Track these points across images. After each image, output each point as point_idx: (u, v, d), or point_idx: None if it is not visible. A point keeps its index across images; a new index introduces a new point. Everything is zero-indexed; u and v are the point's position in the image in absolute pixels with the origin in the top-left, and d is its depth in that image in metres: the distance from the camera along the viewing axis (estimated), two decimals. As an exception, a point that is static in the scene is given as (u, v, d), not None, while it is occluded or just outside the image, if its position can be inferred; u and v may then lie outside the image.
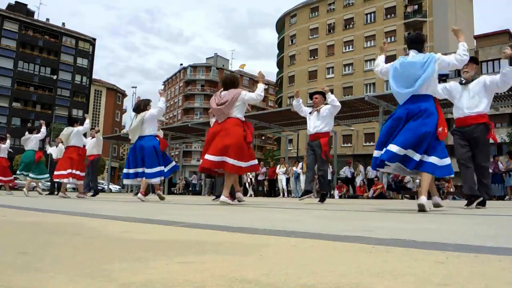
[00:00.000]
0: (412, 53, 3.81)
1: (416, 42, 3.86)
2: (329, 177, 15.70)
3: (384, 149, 3.62)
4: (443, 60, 3.68)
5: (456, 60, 3.71)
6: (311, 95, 6.56)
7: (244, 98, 4.91)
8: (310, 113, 6.32)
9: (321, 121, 6.15)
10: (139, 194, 6.36)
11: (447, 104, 8.70)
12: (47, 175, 10.29)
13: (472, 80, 4.63)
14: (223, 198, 4.71)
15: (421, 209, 3.36)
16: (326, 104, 6.27)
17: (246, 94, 4.96)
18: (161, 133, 8.41)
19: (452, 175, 3.72)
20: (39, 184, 11.06)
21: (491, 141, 4.74)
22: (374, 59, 40.54)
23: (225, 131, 4.71)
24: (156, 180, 6.43)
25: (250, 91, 5.23)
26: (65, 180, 8.08)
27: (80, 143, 8.36)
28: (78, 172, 8.07)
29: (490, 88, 4.54)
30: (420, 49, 3.83)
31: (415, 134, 3.48)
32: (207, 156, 4.69)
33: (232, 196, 5.12)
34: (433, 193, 3.96)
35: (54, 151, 11.13)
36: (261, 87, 5.06)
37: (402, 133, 3.54)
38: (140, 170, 6.34)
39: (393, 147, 3.51)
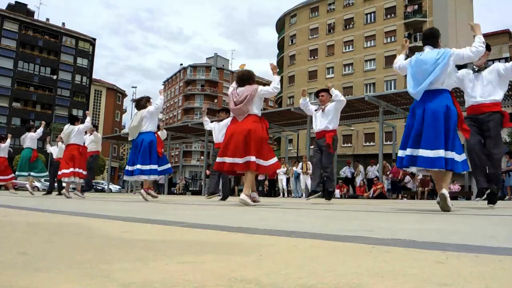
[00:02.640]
0: (427, 49, 3.82)
1: (430, 37, 3.87)
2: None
3: (410, 152, 3.58)
4: (457, 54, 3.69)
5: (471, 51, 3.70)
6: (316, 94, 6.52)
7: (261, 93, 4.86)
8: (316, 110, 6.31)
9: (326, 119, 6.13)
10: (142, 190, 6.46)
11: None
12: (47, 173, 10.32)
13: (485, 68, 4.56)
14: (243, 196, 4.64)
15: (443, 198, 3.37)
16: (332, 101, 6.27)
17: (263, 89, 4.90)
18: (164, 134, 8.36)
19: (467, 171, 3.72)
20: (39, 184, 11.07)
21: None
22: (374, 59, 40.65)
23: (246, 130, 4.66)
24: (144, 177, 6.42)
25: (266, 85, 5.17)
26: (66, 179, 8.08)
27: (81, 141, 8.36)
28: (80, 170, 8.08)
29: (504, 76, 4.48)
30: (435, 44, 3.83)
31: (441, 133, 3.48)
32: (230, 160, 4.64)
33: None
34: (445, 186, 3.89)
35: (55, 151, 11.14)
36: (276, 79, 4.98)
37: (429, 134, 3.51)
38: (136, 167, 6.38)
39: (424, 152, 3.48)
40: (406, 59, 4.05)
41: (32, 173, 9.84)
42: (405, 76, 3.95)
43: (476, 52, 3.72)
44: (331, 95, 6.27)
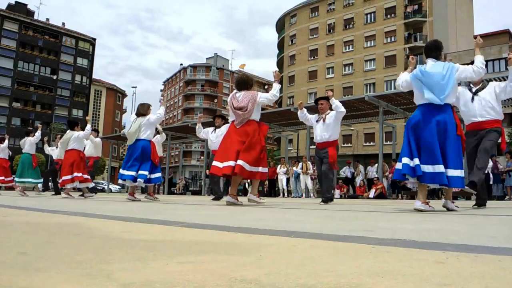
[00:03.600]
0: (431, 61, 3.82)
1: (434, 49, 3.88)
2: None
3: (413, 165, 3.61)
4: (462, 71, 3.74)
5: (473, 71, 3.76)
6: (315, 101, 6.46)
7: (260, 101, 4.90)
8: (317, 121, 6.25)
9: (328, 130, 6.07)
10: (129, 196, 6.53)
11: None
12: (41, 180, 10.32)
13: (483, 88, 4.61)
14: (228, 198, 4.75)
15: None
16: (332, 110, 6.21)
17: (261, 97, 4.93)
18: (163, 137, 8.34)
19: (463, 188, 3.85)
20: (39, 185, 11.05)
21: None
22: (374, 59, 40.65)
23: (244, 136, 4.71)
24: (126, 183, 6.50)
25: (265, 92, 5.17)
26: (69, 186, 8.11)
27: (81, 147, 8.37)
28: (81, 174, 8.08)
29: (499, 96, 4.55)
30: (438, 57, 3.86)
31: (444, 149, 3.56)
32: (228, 163, 4.66)
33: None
34: (449, 198, 3.96)
35: (55, 152, 11.13)
36: (276, 87, 5.05)
37: (431, 150, 3.56)
38: (124, 172, 6.44)
39: (425, 167, 3.55)
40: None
41: (30, 180, 9.87)
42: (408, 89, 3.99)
43: (477, 72, 3.78)
44: (328, 105, 6.25)
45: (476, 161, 4.45)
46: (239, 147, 4.65)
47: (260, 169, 4.75)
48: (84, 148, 8.74)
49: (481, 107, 4.53)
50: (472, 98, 4.58)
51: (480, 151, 4.48)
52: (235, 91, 5.11)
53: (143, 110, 6.64)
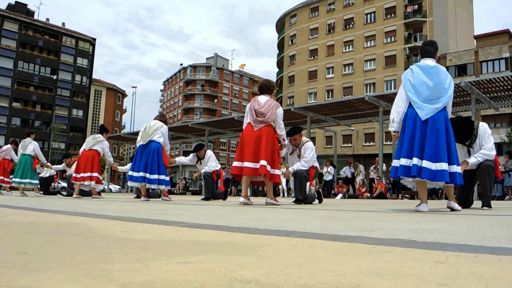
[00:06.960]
0: (431, 62, 3.76)
1: (434, 47, 3.83)
2: (331, 178, 15.79)
3: (412, 164, 3.55)
4: (450, 101, 3.69)
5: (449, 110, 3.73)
6: (288, 134, 5.97)
7: (277, 114, 5.05)
8: (290, 154, 6.17)
9: (305, 163, 5.99)
10: (142, 198, 6.61)
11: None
12: (37, 181, 10.42)
13: (475, 137, 4.48)
14: (241, 198, 4.98)
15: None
16: (306, 140, 6.13)
17: (278, 119, 5.07)
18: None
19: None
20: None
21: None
22: (374, 59, 40.64)
23: (259, 137, 4.90)
24: (153, 186, 6.64)
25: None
26: (85, 182, 8.18)
27: (100, 150, 8.49)
28: (95, 174, 8.21)
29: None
30: (435, 58, 3.82)
31: (444, 145, 3.52)
32: (248, 164, 4.87)
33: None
34: (451, 198, 3.95)
35: (47, 171, 11.54)
36: (285, 140, 5.29)
37: (432, 146, 3.50)
38: (145, 174, 6.52)
39: (426, 163, 3.49)
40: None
41: (30, 181, 9.95)
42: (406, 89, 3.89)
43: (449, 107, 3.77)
44: (301, 136, 6.12)
45: (486, 187, 4.45)
46: (258, 148, 4.86)
47: (278, 171, 5.03)
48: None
49: (474, 155, 4.47)
50: (468, 152, 4.49)
51: (482, 174, 4.41)
52: (257, 96, 5.28)
53: (163, 119, 6.90)
